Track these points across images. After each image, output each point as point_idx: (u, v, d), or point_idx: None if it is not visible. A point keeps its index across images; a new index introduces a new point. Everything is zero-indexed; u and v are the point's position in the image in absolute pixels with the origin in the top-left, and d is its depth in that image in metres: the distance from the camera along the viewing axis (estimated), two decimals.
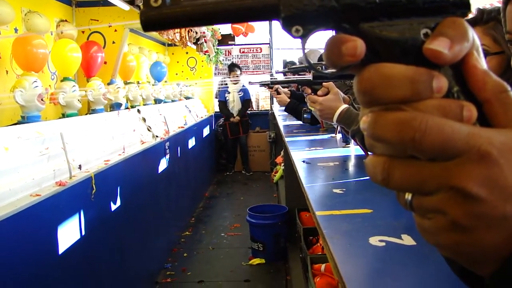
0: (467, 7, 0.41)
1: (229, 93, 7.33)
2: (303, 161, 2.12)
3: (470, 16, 1.47)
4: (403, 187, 0.38)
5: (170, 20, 0.41)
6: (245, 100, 7.39)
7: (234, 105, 7.30)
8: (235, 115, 7.30)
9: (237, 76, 7.33)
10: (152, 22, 0.41)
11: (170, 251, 4.09)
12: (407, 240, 1.05)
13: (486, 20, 1.40)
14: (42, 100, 2.40)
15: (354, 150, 2.34)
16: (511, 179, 0.35)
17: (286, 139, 2.96)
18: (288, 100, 3.77)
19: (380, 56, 0.41)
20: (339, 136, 2.76)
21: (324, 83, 1.88)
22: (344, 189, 1.56)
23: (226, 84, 7.33)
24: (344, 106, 1.93)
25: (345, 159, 2.20)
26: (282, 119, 4.51)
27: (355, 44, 0.40)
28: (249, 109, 7.62)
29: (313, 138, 2.95)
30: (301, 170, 1.96)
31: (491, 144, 0.36)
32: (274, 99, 4.96)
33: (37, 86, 2.38)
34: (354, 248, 1.05)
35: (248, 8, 0.43)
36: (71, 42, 3.11)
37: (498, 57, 1.36)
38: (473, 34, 0.39)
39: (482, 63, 0.40)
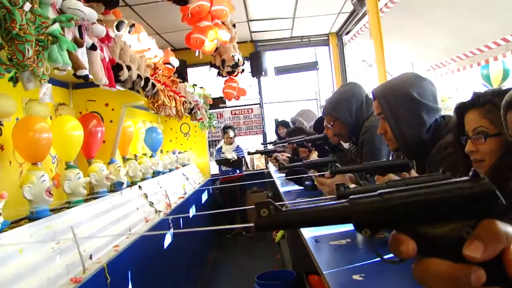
0: (503, 209, 0.51)
1: (223, 153, 7.51)
2: (315, 241, 2.15)
3: (467, 99, 1.55)
4: None
5: (273, 226, 0.60)
6: (238, 158, 7.67)
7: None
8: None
9: (231, 138, 7.53)
10: (262, 227, 0.60)
11: None
12: None
13: (483, 103, 1.48)
14: (50, 193, 2.42)
15: None
16: None
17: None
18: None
19: (431, 251, 0.53)
20: None
21: (330, 164, 1.94)
22: (363, 275, 1.58)
23: (222, 150, 7.54)
24: (352, 186, 1.99)
25: (356, 235, 2.22)
26: (281, 185, 4.54)
27: (408, 247, 0.53)
28: (243, 168, 7.84)
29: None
30: (314, 250, 1.99)
31: None
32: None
33: (45, 180, 2.41)
34: None
35: (328, 218, 0.59)
36: (72, 119, 3.08)
37: (497, 139, 1.43)
38: (508, 232, 0.50)
39: None
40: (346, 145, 3.13)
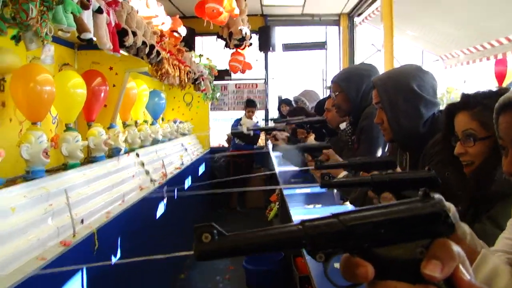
0: (453, 229, 0.54)
1: (241, 125, 7.46)
2: None
3: (457, 101, 1.55)
4: None
5: (217, 253, 0.56)
6: (254, 134, 7.56)
7: None
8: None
9: (253, 113, 7.66)
10: (204, 255, 0.57)
11: None
12: None
13: (473, 105, 1.47)
14: (46, 154, 2.43)
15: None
16: None
17: (284, 192, 3.02)
18: (286, 146, 3.82)
19: (387, 272, 0.54)
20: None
21: (324, 150, 1.95)
22: None
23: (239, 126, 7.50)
24: (344, 173, 2.00)
25: None
26: (277, 164, 4.56)
27: (366, 270, 0.53)
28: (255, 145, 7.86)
29: (310, 191, 3.00)
30: None
31: None
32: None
33: (42, 141, 2.41)
34: None
35: (280, 244, 0.57)
36: (75, 76, 2.97)
37: (486, 141, 1.43)
38: (458, 251, 0.52)
39: (467, 273, 0.53)
40: (343, 126, 3.12)
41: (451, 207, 1.13)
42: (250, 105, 7.72)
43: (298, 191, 3.09)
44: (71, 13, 2.09)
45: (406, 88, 2.00)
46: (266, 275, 3.90)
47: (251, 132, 7.25)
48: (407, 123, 1.99)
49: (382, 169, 1.62)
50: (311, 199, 2.81)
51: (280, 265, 3.95)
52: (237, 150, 7.56)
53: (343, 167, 1.97)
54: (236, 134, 7.53)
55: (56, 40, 3.40)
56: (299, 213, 2.43)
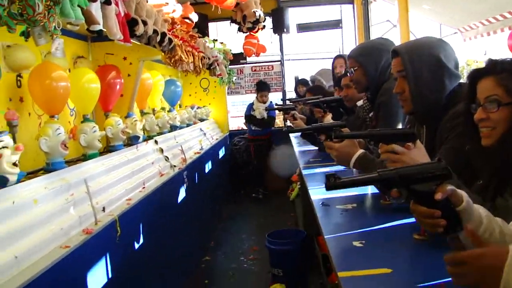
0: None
1: (254, 110, 7.38)
2: (322, 204, 2.16)
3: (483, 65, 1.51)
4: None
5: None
6: (270, 117, 7.48)
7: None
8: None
9: (265, 97, 7.47)
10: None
11: (191, 278, 4.15)
12: None
13: (500, 70, 1.43)
14: (65, 146, 2.47)
15: (370, 187, 2.37)
16: None
17: (303, 172, 3.01)
18: (305, 126, 3.81)
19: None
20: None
21: (334, 129, 1.92)
22: (363, 242, 1.60)
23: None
24: (361, 151, 1.98)
25: (363, 200, 2.24)
26: (297, 145, 4.55)
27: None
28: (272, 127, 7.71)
29: (329, 170, 2.99)
30: (321, 213, 2.01)
31: None
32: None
33: (60, 133, 2.45)
34: None
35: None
36: (88, 72, 3.07)
37: (509, 107, 1.40)
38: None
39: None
40: (360, 103, 3.07)
41: (463, 194, 1.19)
42: (262, 89, 7.48)
43: (317, 170, 3.07)
44: (79, 6, 2.10)
45: (432, 58, 1.90)
46: (290, 254, 3.90)
47: (265, 116, 7.16)
48: (430, 94, 1.90)
49: (402, 141, 1.58)
50: None
51: (303, 244, 3.94)
52: (254, 136, 7.48)
53: (362, 138, 1.92)
54: (250, 120, 7.45)
55: (69, 33, 3.42)
56: (318, 193, 2.41)
